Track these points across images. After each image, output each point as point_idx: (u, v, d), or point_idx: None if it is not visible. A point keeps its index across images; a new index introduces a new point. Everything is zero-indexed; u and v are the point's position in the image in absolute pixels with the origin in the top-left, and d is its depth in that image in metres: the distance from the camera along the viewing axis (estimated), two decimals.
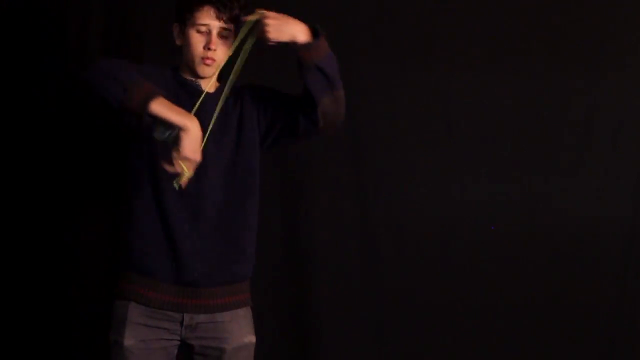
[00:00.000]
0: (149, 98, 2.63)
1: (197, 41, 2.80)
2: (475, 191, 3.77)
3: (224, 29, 2.81)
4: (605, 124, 3.78)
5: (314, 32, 2.80)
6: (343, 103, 2.87)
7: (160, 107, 2.64)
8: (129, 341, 2.81)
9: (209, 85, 2.85)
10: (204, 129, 2.75)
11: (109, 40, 3.68)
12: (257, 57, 3.65)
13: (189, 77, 2.87)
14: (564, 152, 3.78)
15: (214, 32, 2.79)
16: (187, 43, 2.82)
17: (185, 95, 2.84)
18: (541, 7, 3.76)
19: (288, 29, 2.75)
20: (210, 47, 2.79)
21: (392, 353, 3.79)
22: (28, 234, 3.66)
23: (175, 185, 2.68)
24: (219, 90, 2.88)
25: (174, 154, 2.66)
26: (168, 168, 2.68)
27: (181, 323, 2.85)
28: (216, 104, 2.83)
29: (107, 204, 3.64)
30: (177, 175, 2.67)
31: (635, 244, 3.79)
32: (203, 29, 2.79)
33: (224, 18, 2.79)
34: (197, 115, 2.75)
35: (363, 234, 3.75)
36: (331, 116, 2.85)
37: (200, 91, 2.84)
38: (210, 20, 2.79)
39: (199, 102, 2.78)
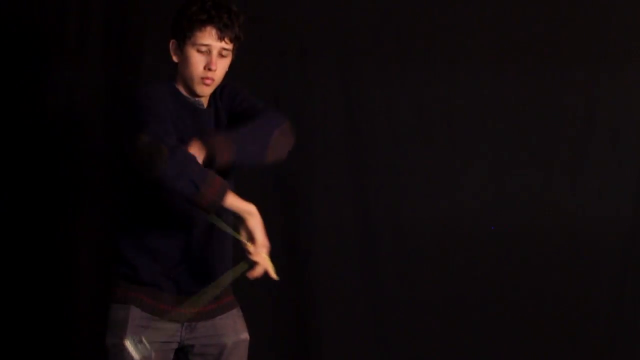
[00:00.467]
0: (221, 196, 2.63)
1: (198, 61, 2.76)
2: (475, 191, 3.77)
3: (224, 49, 2.77)
4: (605, 124, 3.78)
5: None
6: (284, 135, 2.82)
7: (230, 201, 2.65)
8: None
9: (204, 100, 2.84)
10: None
11: (109, 40, 3.68)
12: (256, 58, 3.70)
13: (187, 95, 2.83)
14: (564, 152, 3.78)
15: (215, 53, 2.75)
16: (186, 62, 2.77)
17: (186, 112, 2.81)
18: (541, 7, 3.76)
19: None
20: (211, 68, 2.75)
21: (392, 353, 3.79)
22: (28, 238, 3.66)
23: (277, 277, 2.73)
24: (209, 105, 2.85)
25: (251, 251, 2.69)
26: (257, 274, 2.71)
27: (182, 324, 2.85)
28: (210, 118, 2.82)
29: (107, 208, 3.65)
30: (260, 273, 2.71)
31: (635, 244, 3.79)
32: (204, 49, 2.75)
33: (225, 39, 2.76)
34: (197, 131, 2.75)
35: (363, 234, 3.75)
36: (284, 151, 2.85)
37: (199, 109, 2.82)
38: (211, 41, 2.74)
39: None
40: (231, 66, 2.83)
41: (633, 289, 3.80)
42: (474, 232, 3.77)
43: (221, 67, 2.78)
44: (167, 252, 2.80)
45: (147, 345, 2.71)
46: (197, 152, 2.65)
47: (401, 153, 3.76)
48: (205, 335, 2.87)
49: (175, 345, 2.86)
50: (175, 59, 2.81)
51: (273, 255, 3.66)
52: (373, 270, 3.77)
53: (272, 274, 2.73)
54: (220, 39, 2.75)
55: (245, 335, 2.94)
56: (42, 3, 3.67)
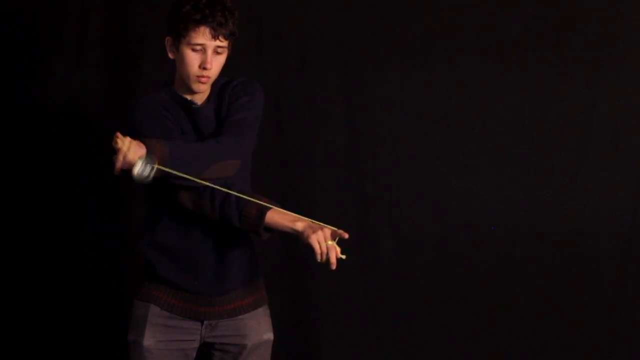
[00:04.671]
0: (259, 223, 2.68)
1: (193, 60, 2.75)
2: (475, 191, 3.77)
3: (219, 46, 2.76)
4: (605, 124, 3.78)
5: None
6: (226, 167, 2.77)
7: (274, 223, 2.70)
8: (148, 341, 2.81)
9: (202, 97, 2.84)
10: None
11: (109, 40, 3.68)
12: (256, 58, 3.70)
13: (185, 94, 2.82)
14: (564, 152, 3.78)
15: (209, 52, 2.74)
16: (182, 61, 2.76)
17: (182, 112, 2.82)
18: (541, 8, 3.76)
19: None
20: (206, 67, 2.74)
21: (392, 353, 3.79)
22: (27, 238, 3.67)
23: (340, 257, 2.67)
24: (208, 101, 2.85)
25: (328, 250, 2.67)
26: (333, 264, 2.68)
27: (202, 322, 2.86)
28: (208, 115, 2.82)
29: (108, 207, 3.65)
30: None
31: (635, 244, 3.79)
32: (198, 48, 2.74)
33: (220, 37, 2.74)
34: (203, 132, 2.78)
35: (363, 234, 3.75)
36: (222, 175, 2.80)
37: (197, 109, 2.82)
38: (205, 41, 2.73)
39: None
40: (232, 67, 2.84)
41: (633, 289, 3.80)
42: (474, 232, 3.77)
43: (217, 64, 2.78)
44: (185, 250, 2.81)
45: (152, 170, 2.62)
46: (137, 148, 2.62)
47: (401, 153, 3.76)
48: (226, 335, 2.89)
49: (196, 344, 2.88)
50: (171, 55, 2.80)
51: (273, 254, 3.69)
52: (373, 270, 3.77)
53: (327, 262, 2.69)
54: (215, 37, 2.73)
55: (268, 336, 2.95)
56: (42, 3, 3.67)
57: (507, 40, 3.77)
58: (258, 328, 2.91)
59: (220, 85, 2.86)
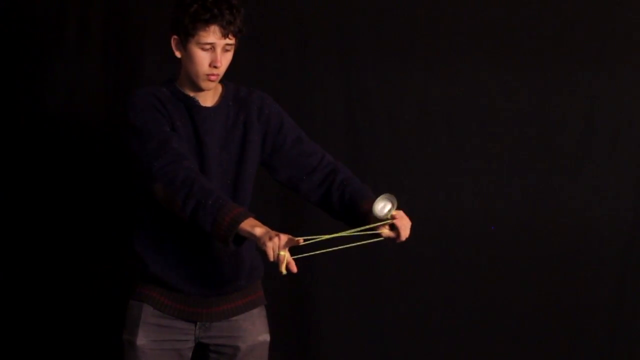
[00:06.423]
0: (233, 228, 2.60)
1: (202, 58, 2.75)
2: (476, 191, 3.77)
3: (228, 44, 2.76)
4: (605, 124, 3.78)
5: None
6: None
7: (246, 230, 2.61)
8: (141, 341, 2.81)
9: (208, 97, 2.84)
10: (209, 143, 2.78)
11: (109, 40, 3.68)
12: (256, 56, 3.70)
13: (188, 91, 2.82)
14: (564, 152, 3.78)
15: (219, 50, 2.75)
16: (190, 60, 2.76)
17: (184, 110, 2.81)
18: (542, 7, 3.76)
19: None
20: (217, 65, 2.75)
21: (392, 353, 3.79)
22: (27, 237, 3.67)
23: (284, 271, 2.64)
24: (218, 104, 2.85)
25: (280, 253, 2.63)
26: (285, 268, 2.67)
27: (195, 323, 2.86)
28: (216, 117, 2.82)
29: (108, 207, 3.65)
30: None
31: (635, 244, 3.80)
32: (208, 47, 2.74)
33: (229, 35, 2.74)
34: (200, 130, 2.78)
35: None
36: None
37: (199, 106, 2.82)
38: (215, 39, 2.73)
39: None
40: (232, 66, 2.83)
41: (633, 289, 3.80)
42: (474, 232, 3.77)
43: (225, 61, 2.78)
44: (180, 251, 2.81)
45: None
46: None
47: (401, 153, 3.76)
48: (220, 336, 2.89)
49: (191, 344, 2.88)
50: (177, 54, 2.80)
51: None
52: (373, 270, 3.77)
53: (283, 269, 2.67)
54: (224, 36, 2.74)
55: (264, 337, 2.95)
56: (42, 3, 3.67)
57: (508, 40, 3.77)
58: (253, 329, 2.91)
59: (231, 93, 2.86)
